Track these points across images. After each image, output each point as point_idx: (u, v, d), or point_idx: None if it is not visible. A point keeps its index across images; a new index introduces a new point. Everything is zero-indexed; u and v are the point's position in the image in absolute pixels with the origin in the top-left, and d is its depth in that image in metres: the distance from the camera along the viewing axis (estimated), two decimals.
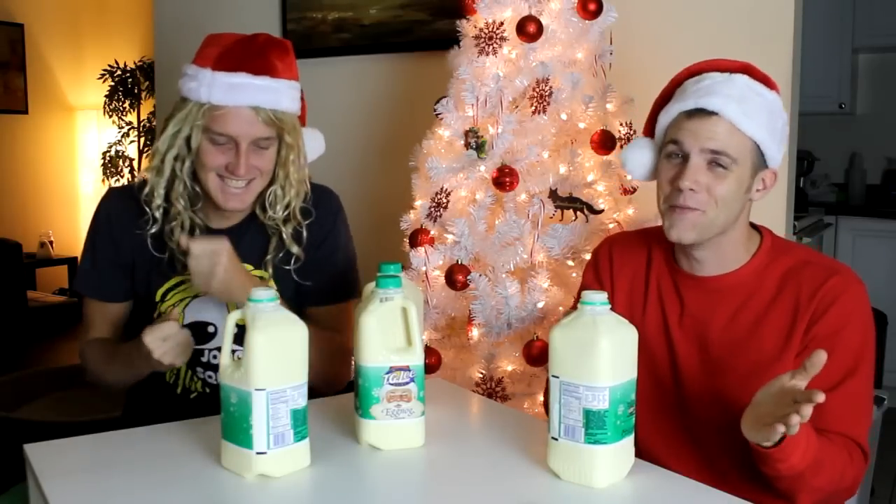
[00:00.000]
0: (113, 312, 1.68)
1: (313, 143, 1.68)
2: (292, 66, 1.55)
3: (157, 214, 1.58)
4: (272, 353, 1.21)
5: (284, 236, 1.61)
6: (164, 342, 1.40)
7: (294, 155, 1.57)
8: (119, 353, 1.56)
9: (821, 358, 1.14)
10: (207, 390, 1.66)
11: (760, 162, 1.39)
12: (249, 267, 1.62)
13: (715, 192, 1.35)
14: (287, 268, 1.64)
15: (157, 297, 1.63)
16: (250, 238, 1.63)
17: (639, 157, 1.49)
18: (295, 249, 1.62)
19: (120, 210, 1.63)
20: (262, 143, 1.52)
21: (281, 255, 1.63)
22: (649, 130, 1.50)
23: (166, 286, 1.63)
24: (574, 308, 1.26)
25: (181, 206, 1.56)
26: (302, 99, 1.61)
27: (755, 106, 1.36)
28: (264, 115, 1.49)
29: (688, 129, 1.37)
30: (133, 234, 1.60)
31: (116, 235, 1.63)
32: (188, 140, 1.52)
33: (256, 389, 1.19)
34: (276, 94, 1.51)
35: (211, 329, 1.64)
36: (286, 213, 1.60)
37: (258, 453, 1.21)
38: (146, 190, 1.57)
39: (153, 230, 1.59)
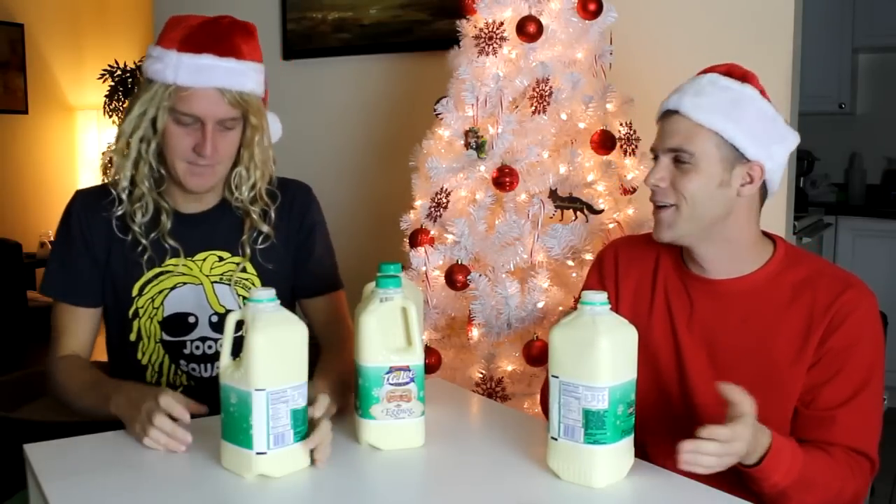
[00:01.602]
0: (85, 319, 1.62)
1: (272, 127, 1.67)
2: (257, 49, 1.56)
3: (123, 196, 1.57)
4: (272, 354, 1.21)
5: (254, 216, 1.62)
6: (163, 425, 1.30)
7: (259, 136, 1.58)
8: (99, 386, 1.49)
9: (730, 391, 1.20)
10: (192, 384, 1.65)
11: (734, 155, 1.37)
12: (227, 254, 1.63)
13: (680, 188, 1.37)
14: (259, 247, 1.64)
15: (135, 292, 1.61)
16: (226, 222, 1.64)
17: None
18: (265, 229, 1.63)
19: (91, 210, 1.61)
20: (227, 124, 1.53)
21: (255, 237, 1.64)
22: None
23: (143, 279, 1.61)
24: (574, 308, 1.26)
25: (146, 188, 1.56)
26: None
27: (713, 98, 1.37)
28: (230, 97, 1.50)
29: (658, 131, 1.42)
30: (105, 234, 1.60)
31: (88, 236, 1.60)
32: (154, 122, 1.52)
33: (256, 390, 1.19)
34: (242, 76, 1.52)
35: (191, 320, 1.63)
36: (252, 193, 1.61)
37: (258, 453, 1.21)
38: (112, 171, 1.57)
39: (119, 212, 1.58)
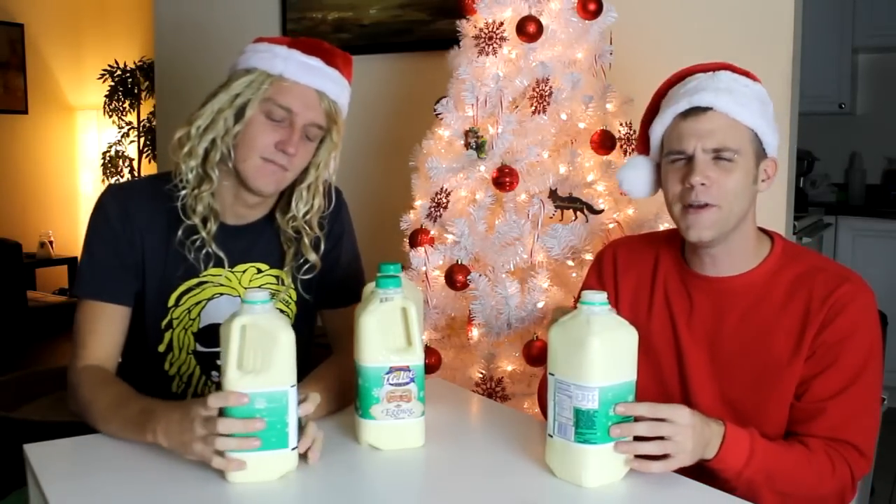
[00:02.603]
0: (116, 319, 1.51)
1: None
2: (351, 75, 1.56)
3: (190, 177, 1.49)
4: (294, 350, 1.23)
5: (306, 240, 1.58)
6: (232, 425, 1.19)
7: (334, 154, 1.55)
8: (126, 409, 1.36)
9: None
10: None
11: (761, 151, 1.40)
12: (265, 266, 1.60)
13: (725, 186, 1.35)
14: (302, 277, 1.60)
15: (171, 303, 1.55)
16: (267, 237, 1.60)
17: (638, 175, 1.51)
18: (312, 257, 1.59)
19: (131, 205, 1.53)
20: (312, 132, 1.50)
21: (298, 262, 1.60)
22: (643, 147, 1.51)
23: (180, 290, 1.55)
24: (574, 307, 1.26)
25: (215, 176, 1.49)
26: None
27: (745, 96, 1.37)
28: (326, 104, 1.49)
29: (686, 130, 1.37)
30: (146, 232, 1.53)
31: (128, 233, 1.52)
32: (242, 109, 1.47)
33: (291, 386, 1.22)
34: (340, 87, 1.52)
35: None
36: (307, 217, 1.57)
37: (293, 449, 1.23)
38: (184, 151, 1.49)
39: (184, 193, 1.49)
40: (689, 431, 1.22)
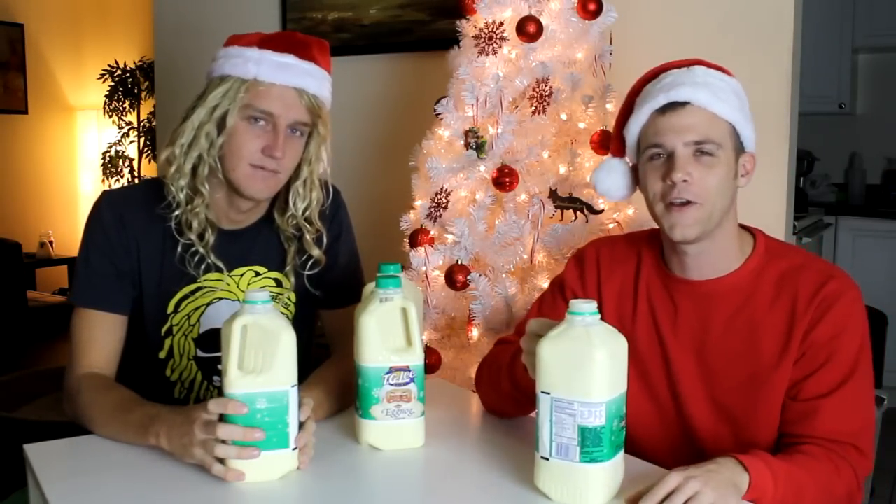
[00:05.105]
0: (113, 328, 1.51)
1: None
2: (329, 63, 1.54)
3: (181, 196, 1.48)
4: (295, 349, 1.23)
5: (308, 237, 1.57)
6: (232, 432, 1.20)
7: (324, 147, 1.55)
8: (126, 413, 1.36)
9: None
10: None
11: (739, 145, 1.38)
12: (263, 269, 1.60)
13: (707, 182, 1.33)
14: (308, 273, 1.60)
15: (170, 309, 1.55)
16: (264, 239, 1.59)
17: (614, 178, 1.47)
18: (315, 253, 1.58)
19: (126, 213, 1.52)
20: (298, 129, 1.49)
21: (302, 260, 1.59)
22: (617, 149, 1.48)
23: (178, 296, 1.55)
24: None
25: (205, 190, 1.48)
26: None
27: (722, 90, 1.35)
28: (307, 100, 1.48)
29: (665, 125, 1.34)
30: (142, 241, 1.52)
31: (124, 240, 1.51)
32: (222, 120, 1.45)
33: (292, 386, 1.22)
34: (320, 80, 1.50)
35: None
36: (306, 213, 1.56)
37: (293, 449, 1.23)
38: (171, 169, 1.47)
39: (176, 214, 1.48)
40: (697, 483, 1.12)
